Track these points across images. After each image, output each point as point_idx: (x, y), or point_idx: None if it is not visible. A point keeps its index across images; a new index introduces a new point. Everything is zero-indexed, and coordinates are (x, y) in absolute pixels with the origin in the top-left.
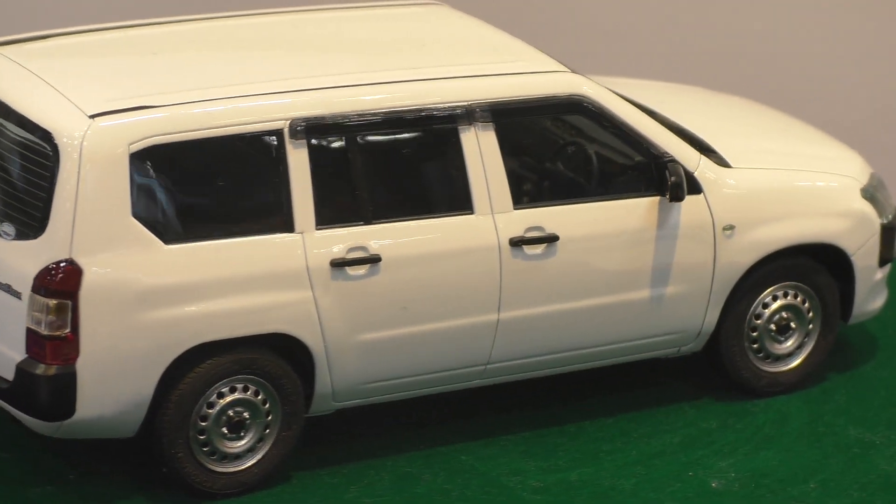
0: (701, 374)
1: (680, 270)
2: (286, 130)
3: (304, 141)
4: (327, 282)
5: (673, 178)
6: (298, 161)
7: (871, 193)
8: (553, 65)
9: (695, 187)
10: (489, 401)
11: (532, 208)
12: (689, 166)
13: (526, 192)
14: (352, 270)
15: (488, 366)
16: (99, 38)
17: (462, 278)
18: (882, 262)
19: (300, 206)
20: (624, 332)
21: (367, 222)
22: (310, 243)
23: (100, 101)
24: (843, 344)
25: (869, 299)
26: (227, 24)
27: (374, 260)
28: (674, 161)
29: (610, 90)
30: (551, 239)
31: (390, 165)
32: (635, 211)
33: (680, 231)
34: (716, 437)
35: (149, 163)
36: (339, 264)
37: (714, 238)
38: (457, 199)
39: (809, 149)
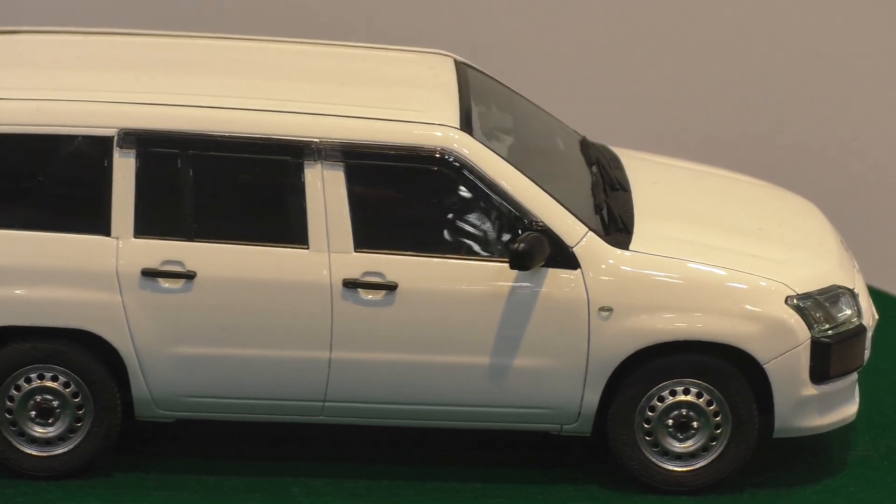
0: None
1: (543, 344)
2: (115, 138)
3: (133, 151)
4: (137, 289)
5: (520, 246)
6: (123, 169)
7: (801, 304)
8: (440, 118)
9: (571, 262)
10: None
11: (376, 253)
12: (568, 240)
13: (375, 237)
14: (164, 282)
15: (326, 403)
16: (55, 38)
17: (288, 311)
18: (816, 378)
19: (119, 212)
20: (478, 397)
21: (189, 239)
22: (124, 249)
23: None
24: (794, 454)
25: (798, 415)
26: (182, 43)
27: (188, 276)
28: (541, 230)
29: (492, 151)
30: (390, 287)
31: (224, 189)
32: (491, 274)
33: (544, 303)
34: None
35: None
36: (150, 274)
37: (588, 317)
38: (291, 232)
39: (764, 249)
